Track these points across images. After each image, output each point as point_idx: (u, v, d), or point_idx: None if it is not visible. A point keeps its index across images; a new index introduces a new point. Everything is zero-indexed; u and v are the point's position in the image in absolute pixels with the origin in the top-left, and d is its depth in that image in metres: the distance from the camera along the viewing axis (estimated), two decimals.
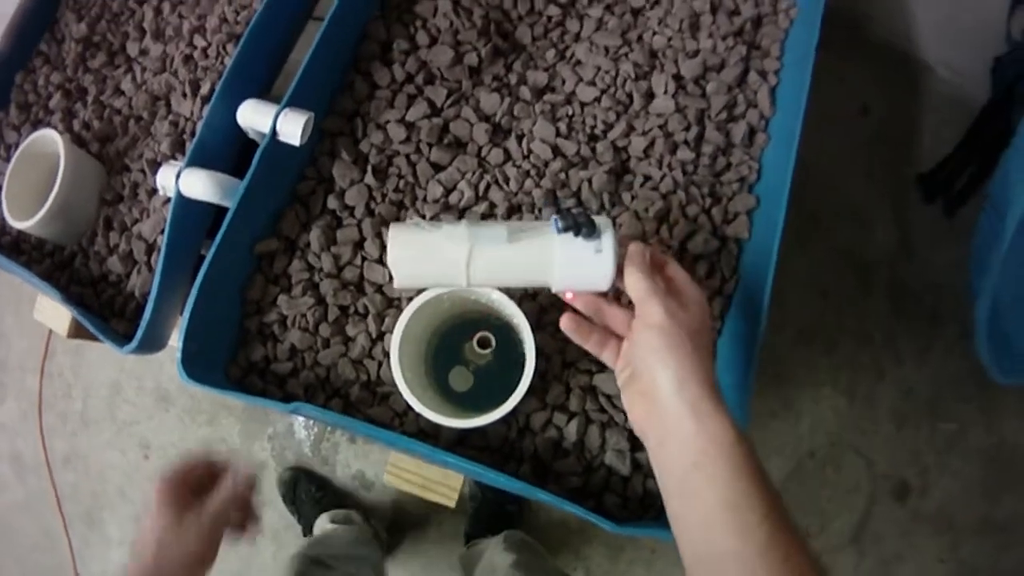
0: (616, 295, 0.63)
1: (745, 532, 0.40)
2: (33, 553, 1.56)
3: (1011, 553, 1.40)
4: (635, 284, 0.49)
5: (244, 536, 0.63)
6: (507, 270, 0.51)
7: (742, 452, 0.42)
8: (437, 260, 0.51)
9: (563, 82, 0.84)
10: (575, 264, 0.50)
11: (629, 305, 0.52)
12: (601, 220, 0.51)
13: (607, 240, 0.50)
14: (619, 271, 0.51)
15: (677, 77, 0.82)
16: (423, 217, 0.77)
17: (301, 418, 1.45)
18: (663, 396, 0.44)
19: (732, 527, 0.40)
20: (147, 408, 1.56)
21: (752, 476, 0.41)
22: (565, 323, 0.53)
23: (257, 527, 0.64)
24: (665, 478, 0.45)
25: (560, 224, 0.51)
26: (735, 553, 0.40)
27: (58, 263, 0.86)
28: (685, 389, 0.44)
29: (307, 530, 1.37)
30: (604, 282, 0.51)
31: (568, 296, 0.55)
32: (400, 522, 1.43)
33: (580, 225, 0.50)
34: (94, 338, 0.85)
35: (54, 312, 0.87)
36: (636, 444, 0.69)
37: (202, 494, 0.59)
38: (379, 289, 0.75)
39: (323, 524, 1.31)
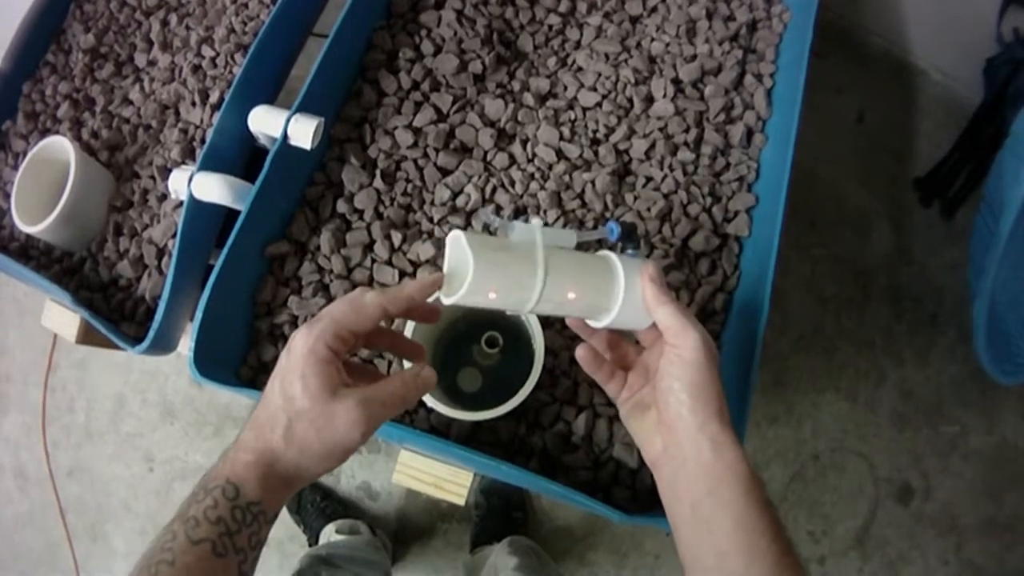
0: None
1: (756, 554, 0.42)
2: (37, 566, 1.56)
3: (1016, 552, 1.40)
4: (669, 315, 0.47)
5: None
6: (570, 306, 0.49)
7: (755, 483, 0.44)
8: (509, 288, 0.46)
9: (565, 88, 0.86)
10: (635, 302, 0.49)
11: (637, 344, 0.53)
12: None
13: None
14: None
15: (676, 81, 0.84)
16: (431, 220, 0.78)
17: None
18: (684, 429, 0.45)
19: (744, 549, 0.42)
20: (151, 421, 1.56)
21: (763, 505, 0.43)
22: (581, 353, 0.53)
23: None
24: (677, 506, 0.46)
25: (618, 230, 0.52)
26: (747, 573, 0.42)
27: (67, 268, 0.87)
28: (708, 425, 0.45)
29: (313, 540, 1.36)
30: (648, 320, 0.50)
31: (582, 326, 0.53)
32: (406, 531, 1.43)
33: (629, 229, 0.53)
34: (103, 344, 0.86)
35: (62, 318, 0.88)
36: None
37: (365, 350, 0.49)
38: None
39: (329, 534, 1.31)
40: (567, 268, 0.48)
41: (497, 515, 1.34)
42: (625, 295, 0.48)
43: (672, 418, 0.46)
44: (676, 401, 0.46)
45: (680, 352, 0.46)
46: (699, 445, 0.44)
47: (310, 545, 1.37)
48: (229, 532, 0.40)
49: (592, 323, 0.51)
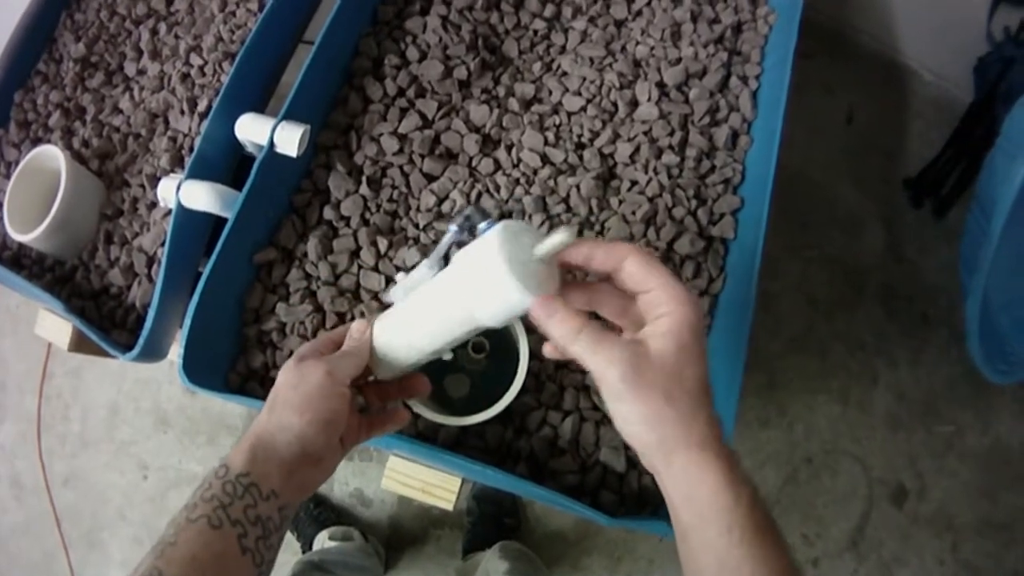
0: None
1: None
2: (34, 575, 1.56)
3: (1013, 552, 1.40)
4: (562, 339, 0.42)
5: (389, 426, 0.57)
6: (476, 319, 0.46)
7: (739, 515, 0.39)
8: (413, 354, 0.53)
9: (550, 93, 0.86)
10: (468, 278, 0.44)
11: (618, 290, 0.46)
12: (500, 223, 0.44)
13: (490, 233, 0.43)
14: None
15: (660, 85, 0.85)
16: (417, 226, 0.79)
17: None
18: (651, 456, 0.42)
19: None
20: (145, 429, 1.57)
21: (749, 538, 0.39)
22: (548, 350, 0.49)
23: (400, 417, 0.57)
24: (674, 522, 0.43)
25: (456, 225, 0.51)
26: None
27: (59, 277, 0.88)
28: (671, 462, 0.41)
29: (306, 547, 1.37)
30: (505, 285, 0.41)
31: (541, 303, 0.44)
32: (398, 538, 1.43)
33: (469, 217, 0.50)
34: (96, 352, 0.86)
35: (55, 326, 0.88)
36: None
37: None
38: (375, 296, 0.76)
39: (322, 540, 1.31)
40: (428, 307, 0.50)
41: (489, 521, 1.34)
42: (455, 269, 0.46)
43: (639, 447, 0.42)
44: (637, 431, 0.41)
45: (602, 385, 0.41)
46: (674, 479, 0.41)
47: (303, 552, 1.37)
48: (222, 505, 0.44)
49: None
